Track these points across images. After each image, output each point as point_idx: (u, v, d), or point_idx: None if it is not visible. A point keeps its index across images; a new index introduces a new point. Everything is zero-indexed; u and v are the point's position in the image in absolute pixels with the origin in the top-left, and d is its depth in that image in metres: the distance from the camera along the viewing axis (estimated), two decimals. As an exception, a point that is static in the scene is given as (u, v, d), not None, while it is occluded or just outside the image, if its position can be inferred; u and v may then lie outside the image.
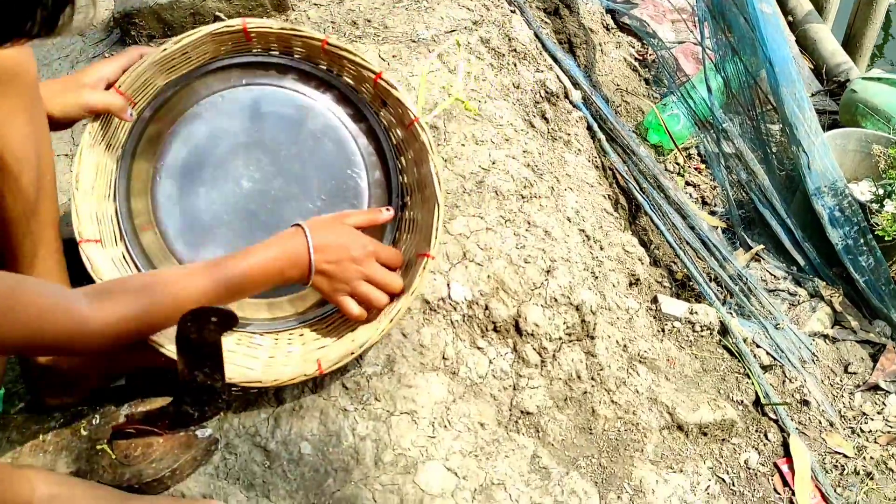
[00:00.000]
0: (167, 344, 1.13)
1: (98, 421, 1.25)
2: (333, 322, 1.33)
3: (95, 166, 1.25)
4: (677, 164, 2.71)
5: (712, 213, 2.52)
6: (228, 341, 1.26)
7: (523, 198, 1.63)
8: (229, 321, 0.99)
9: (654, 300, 1.87)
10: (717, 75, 2.45)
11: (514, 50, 2.12)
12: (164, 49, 1.24)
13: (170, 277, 1.09)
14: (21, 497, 0.99)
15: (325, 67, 1.35)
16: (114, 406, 1.27)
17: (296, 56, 1.35)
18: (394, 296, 1.25)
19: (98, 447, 1.21)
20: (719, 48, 2.36)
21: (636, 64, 3.08)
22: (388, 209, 1.31)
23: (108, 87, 1.24)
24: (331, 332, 1.31)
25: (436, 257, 1.23)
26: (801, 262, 2.17)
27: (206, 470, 1.21)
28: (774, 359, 1.85)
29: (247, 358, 1.25)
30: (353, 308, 1.23)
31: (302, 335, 1.33)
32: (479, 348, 1.41)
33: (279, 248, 1.16)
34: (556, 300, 1.46)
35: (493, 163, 1.66)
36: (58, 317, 0.95)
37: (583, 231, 1.70)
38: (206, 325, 0.99)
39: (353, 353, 1.19)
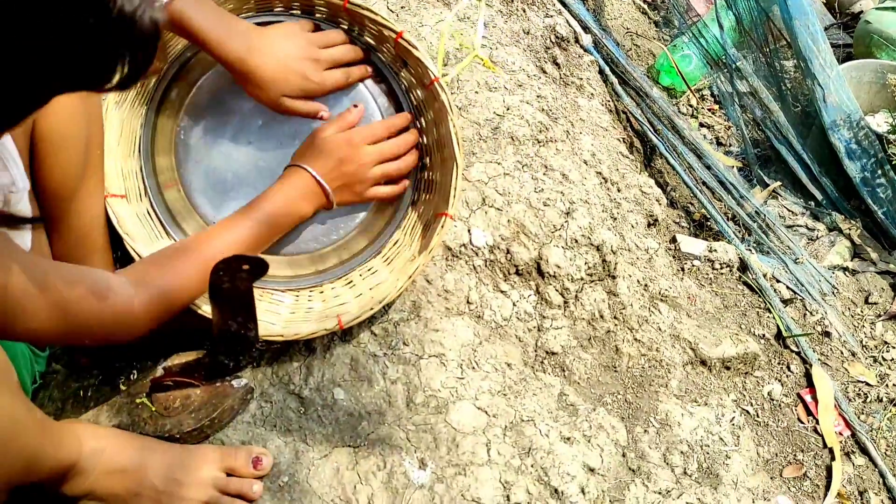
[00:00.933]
0: (202, 305, 1.15)
1: (136, 375, 1.28)
2: (352, 280, 1.35)
3: (120, 123, 1.26)
4: (690, 105, 2.69)
5: (727, 153, 2.51)
6: None
7: (539, 142, 1.63)
8: (261, 269, 1.01)
9: (673, 240, 1.88)
10: (728, 13, 2.42)
11: (523, -4, 2.10)
12: None
13: (204, 241, 1.13)
14: (69, 451, 1.02)
15: (346, 27, 1.35)
16: (149, 361, 1.31)
17: (317, 15, 1.35)
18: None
19: (138, 401, 1.25)
20: (730, -16, 2.33)
21: (645, 6, 3.05)
22: (355, 105, 1.31)
23: None
24: (351, 289, 1.33)
25: (454, 216, 1.24)
26: (819, 196, 2.17)
27: (243, 418, 1.25)
28: (794, 293, 1.86)
29: (268, 313, 1.28)
30: (384, 192, 1.30)
31: (322, 292, 1.35)
32: (502, 292, 1.43)
33: (291, 188, 1.21)
34: (576, 241, 1.48)
35: (508, 109, 1.66)
36: (101, 308, 0.95)
37: (600, 174, 1.71)
38: (238, 274, 1.02)
39: (372, 309, 1.21)
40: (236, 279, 1.02)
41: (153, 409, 1.23)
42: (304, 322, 1.26)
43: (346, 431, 1.22)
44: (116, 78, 0.58)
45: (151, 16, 0.56)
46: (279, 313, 1.30)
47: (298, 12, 1.35)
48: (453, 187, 1.22)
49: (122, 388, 1.27)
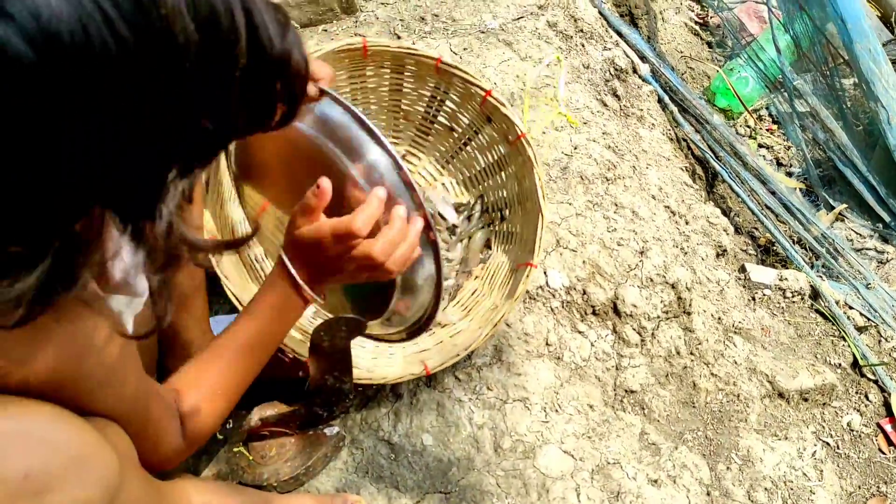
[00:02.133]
0: (297, 349, 1.20)
1: (231, 425, 1.33)
2: (432, 329, 1.38)
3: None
4: (748, 126, 2.68)
5: (788, 174, 2.50)
6: None
7: (608, 180, 1.66)
8: (358, 328, 1.05)
9: (742, 269, 1.88)
10: (784, 34, 2.41)
11: (581, 30, 2.13)
12: None
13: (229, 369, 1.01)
14: None
15: (432, 86, 1.41)
16: (244, 410, 1.36)
17: (406, 74, 1.41)
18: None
19: (235, 449, 1.30)
20: (786, 6, 2.33)
21: (697, 28, 3.05)
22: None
23: None
24: (431, 337, 1.37)
25: (537, 265, 1.28)
26: (887, 218, 2.15)
27: (336, 465, 1.29)
28: (868, 319, 1.84)
29: (355, 358, 1.32)
30: (363, 277, 0.98)
31: (403, 346, 1.39)
32: (579, 332, 1.46)
33: (271, 294, 1.02)
34: (651, 280, 1.49)
35: (575, 148, 1.69)
36: (152, 448, 0.91)
37: (668, 207, 1.72)
38: (338, 333, 1.06)
39: (458, 356, 1.25)
40: (335, 338, 1.06)
41: (250, 457, 1.28)
42: (388, 367, 1.30)
43: (436, 478, 1.26)
44: (278, 115, 0.62)
45: (301, 51, 0.60)
46: (361, 356, 1.34)
47: (389, 70, 1.41)
48: (538, 237, 1.25)
49: (220, 437, 1.32)
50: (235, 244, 0.72)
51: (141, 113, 0.50)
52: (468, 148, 1.51)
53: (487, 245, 1.47)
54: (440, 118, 1.52)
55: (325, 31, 2.11)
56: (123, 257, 0.82)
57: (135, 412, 0.85)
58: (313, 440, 1.28)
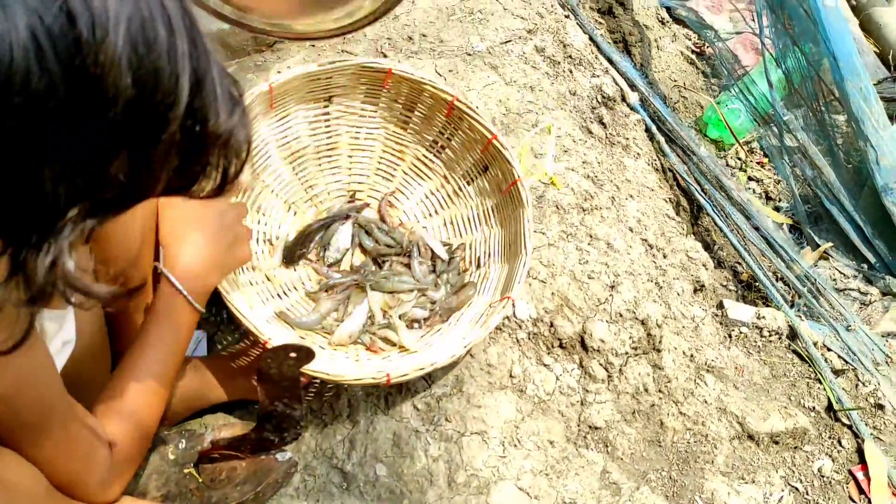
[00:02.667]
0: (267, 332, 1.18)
1: (184, 445, 1.31)
2: (400, 348, 1.37)
3: None
4: (738, 158, 2.66)
5: (776, 208, 2.47)
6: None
7: (584, 210, 1.64)
8: (307, 357, 1.03)
9: (720, 305, 1.85)
10: (776, 68, 2.40)
11: (570, 56, 2.12)
12: (319, 66, 1.39)
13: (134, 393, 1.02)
14: None
15: (437, 130, 1.50)
16: (198, 430, 1.33)
17: (419, 106, 1.49)
18: None
19: (185, 471, 1.27)
20: (779, 40, 2.31)
21: (693, 57, 3.04)
22: None
23: None
24: (400, 353, 1.35)
25: (514, 300, 1.29)
26: (872, 259, 2.12)
27: (286, 491, 1.26)
28: (846, 362, 1.81)
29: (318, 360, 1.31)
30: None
31: (357, 360, 1.37)
32: (545, 365, 1.43)
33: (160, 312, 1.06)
34: (621, 315, 1.47)
35: (553, 177, 1.67)
36: (79, 481, 0.90)
37: (645, 241, 1.70)
38: (286, 361, 1.04)
39: (422, 369, 1.21)
40: (283, 366, 1.04)
41: (200, 480, 1.26)
42: (347, 368, 1.28)
43: (387, 510, 1.23)
44: (208, 187, 0.62)
45: (246, 133, 0.61)
46: (321, 357, 1.32)
47: (401, 105, 1.50)
48: (518, 275, 1.27)
49: (171, 457, 1.30)
50: (127, 294, 0.69)
51: (53, 144, 0.49)
52: (458, 197, 1.54)
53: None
54: (437, 163, 1.56)
55: (313, 45, 2.09)
56: None
57: (52, 424, 0.82)
58: (264, 465, 1.26)
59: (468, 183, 1.51)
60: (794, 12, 2.19)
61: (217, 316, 1.56)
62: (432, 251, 1.49)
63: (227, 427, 1.33)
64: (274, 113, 1.45)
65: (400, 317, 1.39)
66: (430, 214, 1.57)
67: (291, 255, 1.48)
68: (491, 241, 1.46)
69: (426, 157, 1.56)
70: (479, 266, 1.46)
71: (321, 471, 1.28)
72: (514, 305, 1.44)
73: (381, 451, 1.28)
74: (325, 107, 1.52)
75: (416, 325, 1.41)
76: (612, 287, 1.49)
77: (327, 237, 1.52)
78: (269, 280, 1.45)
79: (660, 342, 1.51)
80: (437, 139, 1.53)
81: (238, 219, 1.14)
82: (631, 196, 1.84)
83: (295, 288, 1.47)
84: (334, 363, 1.30)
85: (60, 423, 0.85)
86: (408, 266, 1.48)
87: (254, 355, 1.40)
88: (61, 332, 0.88)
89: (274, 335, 1.22)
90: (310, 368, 1.17)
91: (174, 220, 1.09)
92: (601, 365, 1.45)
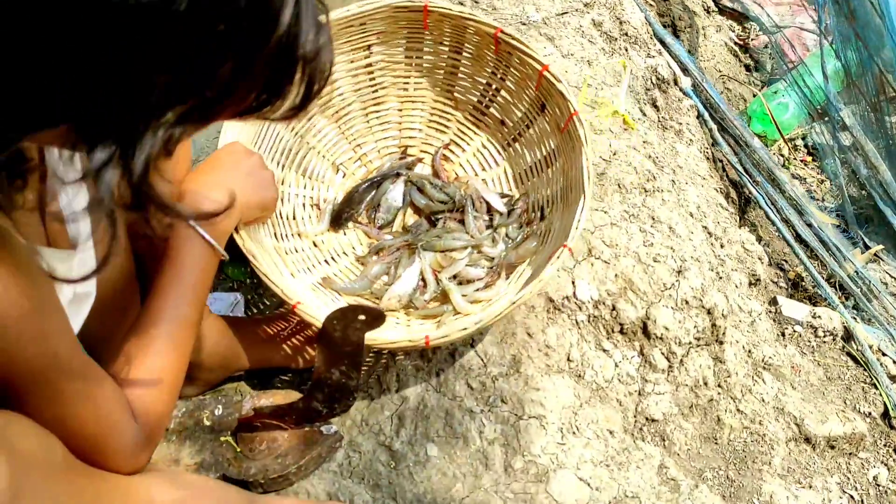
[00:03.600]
0: (313, 314, 1.06)
1: (220, 412, 1.23)
2: (439, 319, 1.28)
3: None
4: (782, 155, 2.58)
5: (821, 208, 2.39)
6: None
7: (646, 191, 1.55)
8: (377, 321, 0.94)
9: (773, 302, 1.77)
10: (835, 60, 2.31)
11: (626, 34, 2.03)
12: (348, 10, 1.30)
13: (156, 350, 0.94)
14: None
15: (489, 72, 1.38)
16: (235, 397, 1.25)
17: (467, 46, 1.37)
18: None
19: (222, 439, 1.19)
20: (840, 31, 2.22)
21: (737, 49, 2.95)
22: None
23: None
24: (436, 326, 1.26)
25: (572, 249, 1.15)
26: (925, 264, 2.05)
27: (329, 467, 1.18)
28: (902, 368, 1.74)
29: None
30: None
31: (409, 325, 1.29)
32: (604, 350, 1.35)
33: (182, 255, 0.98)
34: (687, 302, 1.39)
35: (615, 153, 1.59)
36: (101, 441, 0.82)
37: (705, 228, 1.62)
38: (352, 324, 0.95)
39: (465, 329, 1.07)
40: (349, 329, 0.96)
41: (238, 449, 1.17)
42: (388, 331, 1.18)
43: (438, 493, 1.15)
44: (285, 106, 0.62)
45: (329, 54, 0.61)
46: None
47: (447, 47, 1.40)
48: (577, 220, 1.13)
49: (207, 423, 1.21)
50: (206, 216, 0.71)
51: (167, 46, 0.50)
52: (517, 143, 1.43)
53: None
54: (492, 110, 1.45)
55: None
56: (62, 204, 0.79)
57: (67, 383, 0.75)
58: (308, 437, 1.17)
59: (527, 126, 1.39)
60: (860, 4, 2.10)
61: (254, 278, 1.47)
62: (488, 204, 1.40)
63: (265, 394, 1.25)
64: None
65: (454, 277, 1.30)
66: (489, 166, 1.48)
67: (339, 218, 1.40)
68: (555, 187, 1.33)
69: (480, 104, 1.46)
70: (542, 217, 1.34)
71: (367, 447, 1.19)
72: (574, 284, 1.36)
73: (432, 429, 1.20)
74: (367, 57, 1.43)
75: (472, 284, 1.32)
76: (679, 272, 1.41)
77: (377, 197, 1.43)
78: (316, 246, 1.37)
79: (723, 334, 1.43)
80: (490, 81, 1.42)
81: (260, 164, 1.12)
82: (688, 182, 1.75)
83: (345, 253, 1.38)
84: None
85: (76, 380, 0.76)
86: (462, 223, 1.39)
87: (291, 323, 1.32)
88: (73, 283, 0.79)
89: (307, 299, 1.13)
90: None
91: (192, 178, 1.04)
92: (662, 354, 1.36)
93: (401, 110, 1.52)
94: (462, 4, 1.95)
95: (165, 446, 1.19)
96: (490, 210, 1.40)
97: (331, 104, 1.45)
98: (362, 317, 0.94)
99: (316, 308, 1.07)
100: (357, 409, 1.23)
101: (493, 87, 1.42)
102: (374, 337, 1.07)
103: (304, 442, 1.17)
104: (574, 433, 1.23)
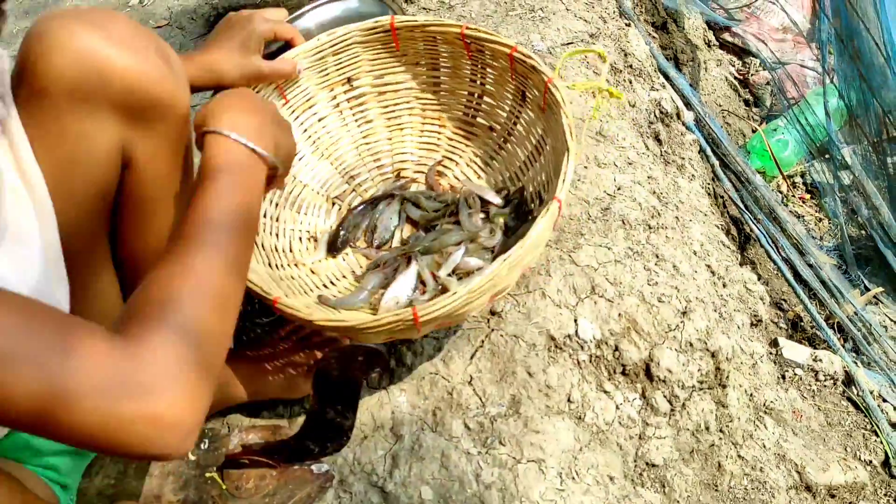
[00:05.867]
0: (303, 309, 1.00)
1: (206, 446, 1.18)
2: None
3: None
4: (780, 192, 2.56)
5: (819, 247, 2.37)
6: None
7: (650, 228, 1.52)
8: (378, 363, 0.90)
9: (774, 343, 1.74)
10: (838, 98, 2.30)
11: (630, 66, 2.01)
12: (318, 39, 1.32)
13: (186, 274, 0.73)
14: None
15: (468, 67, 1.39)
16: (221, 431, 1.20)
17: (441, 44, 1.37)
18: None
19: (207, 475, 1.14)
20: (842, 72, 2.22)
21: (736, 84, 2.94)
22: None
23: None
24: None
25: (562, 201, 1.06)
26: (925, 308, 2.02)
27: (318, 508, 1.13)
28: (902, 415, 1.71)
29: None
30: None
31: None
32: (605, 392, 1.31)
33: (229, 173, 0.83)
34: (691, 345, 1.35)
35: (619, 188, 1.56)
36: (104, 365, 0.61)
37: (709, 266, 1.59)
38: (352, 364, 0.91)
39: (455, 295, 0.96)
40: (349, 370, 0.91)
41: (224, 487, 1.12)
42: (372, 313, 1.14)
43: (432, 539, 1.10)
44: None
45: None
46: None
47: (424, 66, 1.42)
48: (563, 173, 1.06)
49: (191, 457, 1.16)
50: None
51: None
52: (508, 145, 1.42)
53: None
54: (479, 119, 1.45)
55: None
56: None
57: None
58: (298, 477, 1.12)
59: (514, 123, 1.38)
60: (864, 44, 2.10)
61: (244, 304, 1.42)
62: (483, 199, 1.37)
63: (254, 430, 1.20)
64: (290, 106, 1.38)
65: (452, 272, 1.26)
66: (483, 173, 1.46)
67: (335, 242, 1.36)
68: (548, 168, 1.28)
69: (467, 115, 1.46)
70: (541, 202, 1.30)
71: (358, 488, 1.15)
72: (576, 322, 1.32)
73: (427, 471, 1.15)
74: (348, 91, 1.45)
75: (473, 276, 1.26)
76: (684, 314, 1.37)
77: (373, 220, 1.40)
78: (314, 273, 1.33)
79: (727, 378, 1.39)
80: (471, 90, 1.42)
81: (277, 110, 0.98)
82: (691, 219, 1.72)
83: (343, 276, 1.34)
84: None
85: None
86: (458, 223, 1.36)
87: (282, 350, 1.27)
88: None
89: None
90: (323, 319, 0.97)
91: (211, 105, 0.89)
92: (665, 397, 1.33)
93: (390, 138, 1.51)
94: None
95: (148, 482, 1.14)
96: (486, 204, 1.37)
97: (320, 141, 1.45)
98: (362, 357, 0.90)
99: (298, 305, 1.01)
100: (349, 448, 1.18)
101: (476, 94, 1.42)
102: (357, 317, 1.03)
103: (294, 482, 1.12)
104: (574, 479, 1.19)
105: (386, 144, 1.51)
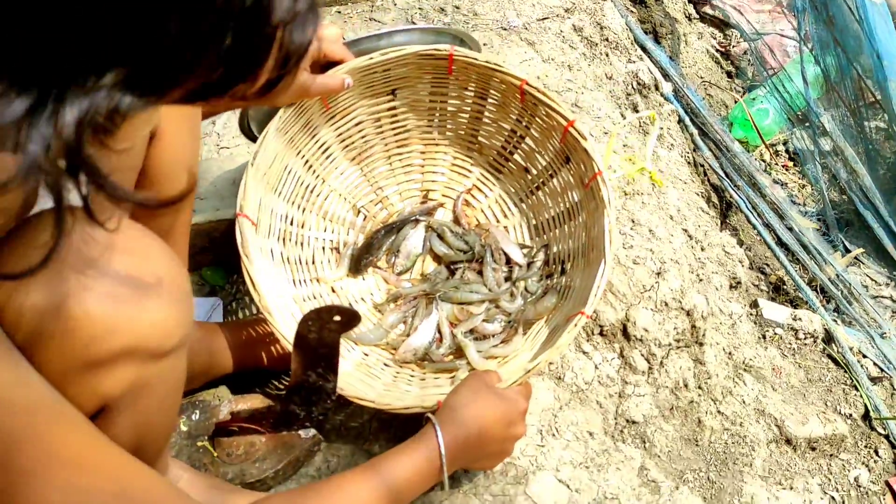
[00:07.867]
0: (286, 335, 1.08)
1: (198, 416, 1.21)
2: (457, 375, 1.28)
3: (274, 154, 1.23)
4: (763, 160, 2.59)
5: (802, 212, 2.41)
6: (347, 362, 1.23)
7: (626, 194, 1.56)
8: (352, 320, 0.94)
9: (754, 304, 1.78)
10: (814, 66, 2.33)
11: (606, 39, 2.04)
12: (370, 58, 1.24)
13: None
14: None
15: (514, 119, 1.36)
16: (212, 402, 1.24)
17: (490, 99, 1.36)
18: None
19: (199, 443, 1.18)
20: (819, 37, 2.25)
21: (718, 56, 2.97)
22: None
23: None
24: (451, 382, 1.26)
25: (591, 316, 1.14)
26: (906, 266, 2.06)
27: (307, 472, 1.17)
28: (882, 370, 1.74)
29: (362, 384, 1.21)
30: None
31: (423, 379, 1.28)
32: (584, 353, 1.35)
33: (423, 452, 0.97)
34: (666, 304, 1.39)
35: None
36: None
37: (686, 231, 1.62)
38: (328, 325, 0.95)
39: None
40: (324, 330, 0.95)
41: (215, 454, 1.16)
42: (398, 399, 1.17)
43: (417, 495, 1.14)
44: (260, 81, 0.52)
45: (313, 24, 0.51)
46: (373, 386, 1.23)
47: (472, 93, 1.37)
48: (596, 286, 1.11)
49: (184, 428, 1.20)
50: (163, 203, 0.57)
51: None
52: (540, 192, 1.41)
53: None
54: (516, 156, 1.42)
55: (339, 12, 2.00)
56: None
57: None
58: (286, 441, 1.16)
59: (551, 176, 1.36)
60: (838, 9, 2.13)
61: (234, 286, 1.47)
62: (508, 256, 1.37)
63: (243, 399, 1.24)
64: (330, 112, 1.34)
65: (470, 332, 1.29)
66: (511, 213, 1.45)
67: (358, 264, 1.38)
68: (577, 242, 1.30)
69: (504, 150, 1.43)
70: (563, 272, 1.32)
71: (345, 451, 1.19)
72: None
73: (410, 432, 1.19)
74: (390, 101, 1.40)
75: (488, 340, 1.30)
76: (658, 274, 1.41)
77: (397, 242, 1.41)
78: (334, 292, 1.36)
79: (703, 336, 1.43)
80: (514, 128, 1.38)
81: (524, 414, 1.05)
82: (668, 185, 1.76)
83: (362, 299, 1.37)
84: (375, 392, 1.20)
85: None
86: (480, 273, 1.37)
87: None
88: None
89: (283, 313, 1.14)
90: (355, 396, 1.08)
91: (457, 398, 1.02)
92: (643, 356, 1.37)
93: (423, 153, 1.49)
94: (443, 11, 1.96)
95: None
96: (509, 262, 1.37)
97: (353, 146, 1.42)
98: (337, 317, 0.94)
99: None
100: (336, 413, 1.22)
101: (518, 134, 1.39)
102: (388, 403, 1.09)
103: (282, 446, 1.16)
104: (554, 435, 1.23)
105: (419, 159, 1.49)
